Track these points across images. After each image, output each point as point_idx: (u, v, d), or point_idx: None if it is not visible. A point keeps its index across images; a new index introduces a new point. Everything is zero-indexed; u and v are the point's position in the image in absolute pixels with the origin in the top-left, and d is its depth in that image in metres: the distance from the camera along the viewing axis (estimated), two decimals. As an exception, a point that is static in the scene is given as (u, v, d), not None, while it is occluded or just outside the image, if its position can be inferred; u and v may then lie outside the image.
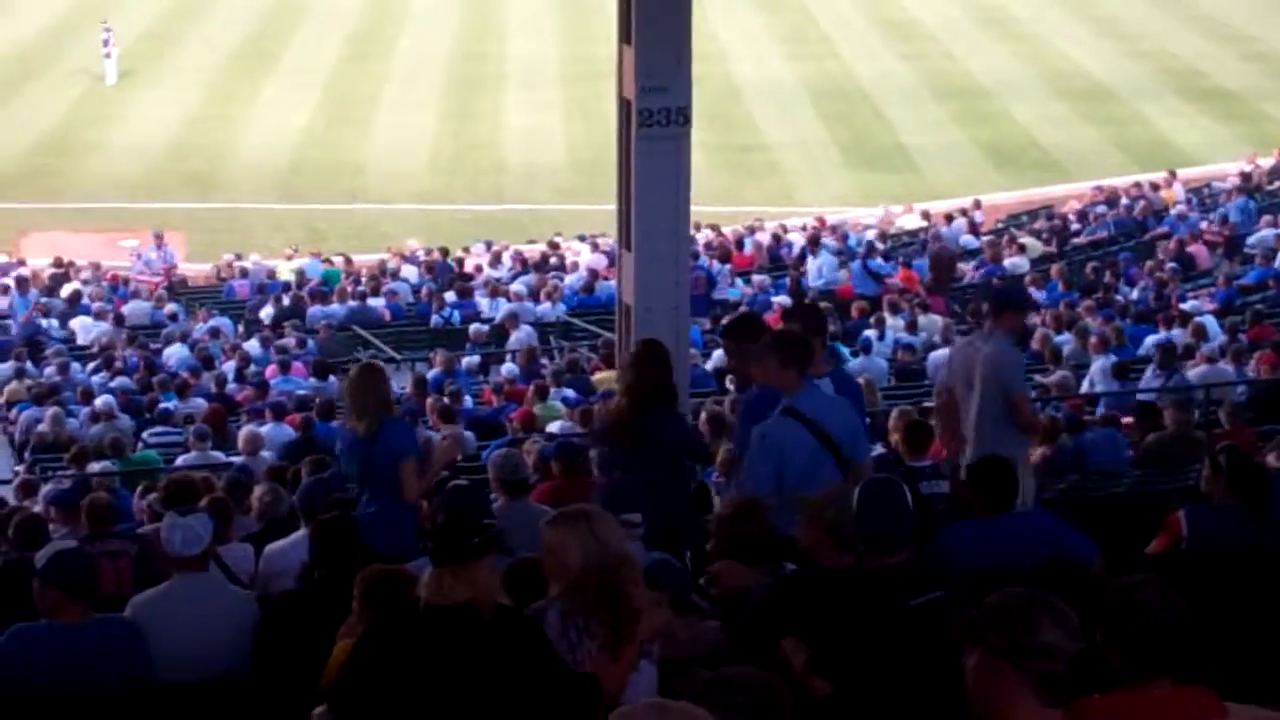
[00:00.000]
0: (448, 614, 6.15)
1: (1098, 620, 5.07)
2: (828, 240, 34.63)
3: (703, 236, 34.89)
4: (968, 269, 33.37)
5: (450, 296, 30.50)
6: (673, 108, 12.65)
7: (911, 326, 26.46)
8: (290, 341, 27.34)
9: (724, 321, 18.97)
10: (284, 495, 12.61)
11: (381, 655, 6.25)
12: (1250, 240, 33.09)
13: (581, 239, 35.75)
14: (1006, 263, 32.51)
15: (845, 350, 24.02)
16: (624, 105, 12.75)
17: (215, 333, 28.83)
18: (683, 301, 13.10)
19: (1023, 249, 33.80)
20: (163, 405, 21.92)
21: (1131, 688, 5.04)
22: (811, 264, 32.06)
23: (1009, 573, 7.74)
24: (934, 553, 8.19)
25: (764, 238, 35.94)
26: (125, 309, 30.73)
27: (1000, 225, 38.37)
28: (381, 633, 6.41)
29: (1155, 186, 38.83)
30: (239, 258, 36.00)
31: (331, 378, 23.71)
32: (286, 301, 31.32)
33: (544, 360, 24.97)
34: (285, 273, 34.80)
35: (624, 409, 10.64)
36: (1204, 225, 34.60)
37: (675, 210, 12.87)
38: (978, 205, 38.90)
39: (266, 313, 30.67)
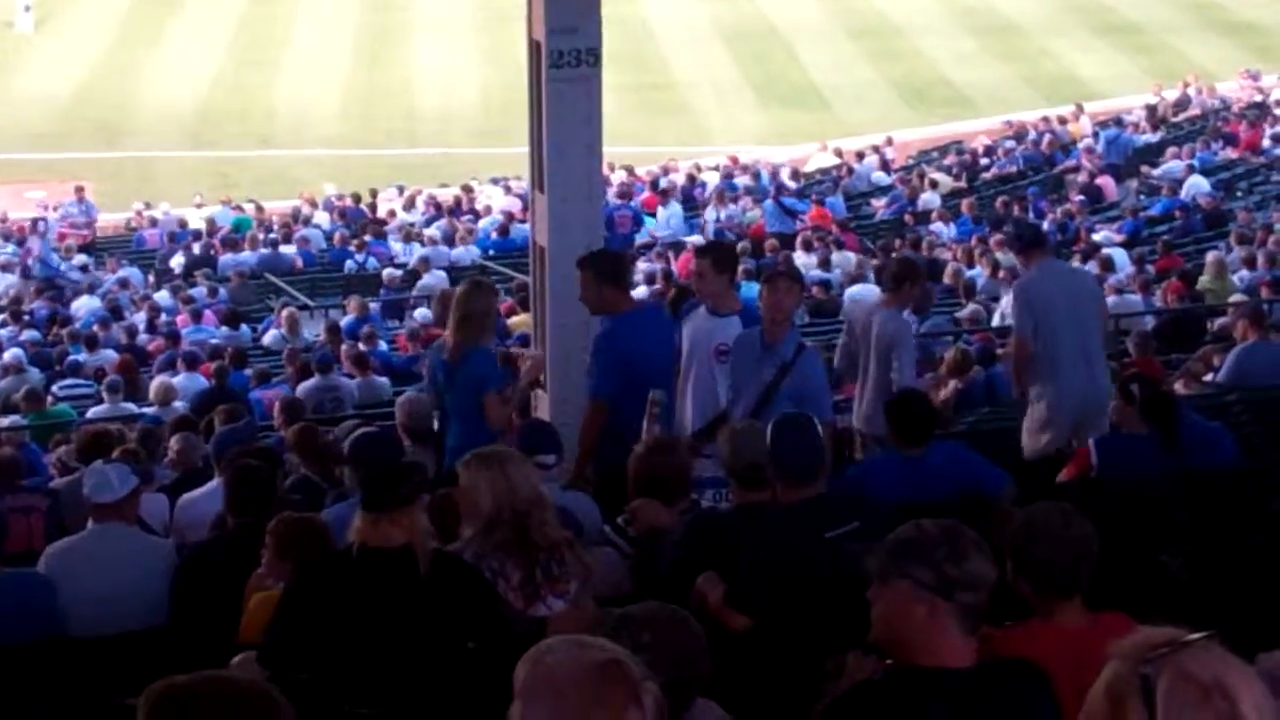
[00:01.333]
0: (385, 556, 6.14)
1: (1007, 551, 5.11)
2: (741, 179, 34.69)
3: (616, 178, 34.87)
4: (880, 205, 33.56)
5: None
6: (583, 49, 12.59)
7: (825, 264, 26.53)
8: (201, 291, 27.13)
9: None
10: (198, 444, 12.52)
11: (316, 600, 6.22)
12: (1157, 172, 33.39)
13: (495, 182, 35.61)
14: (920, 198, 32.68)
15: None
16: (534, 47, 12.67)
17: (124, 283, 28.57)
18: (596, 242, 13.07)
19: (934, 185, 33.96)
20: (72, 358, 21.69)
21: (1044, 616, 5.10)
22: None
23: (924, 505, 7.79)
24: (849, 485, 8.25)
25: (678, 178, 35.95)
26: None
27: (911, 161, 38.58)
28: (312, 578, 6.38)
29: (1063, 120, 39.08)
30: (148, 206, 35.64)
31: (244, 326, 23.52)
32: (197, 250, 31.07)
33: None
34: (196, 221, 34.50)
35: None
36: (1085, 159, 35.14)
37: (588, 150, 12.83)
38: (889, 142, 39.06)
39: (177, 262, 30.42)
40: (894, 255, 23.91)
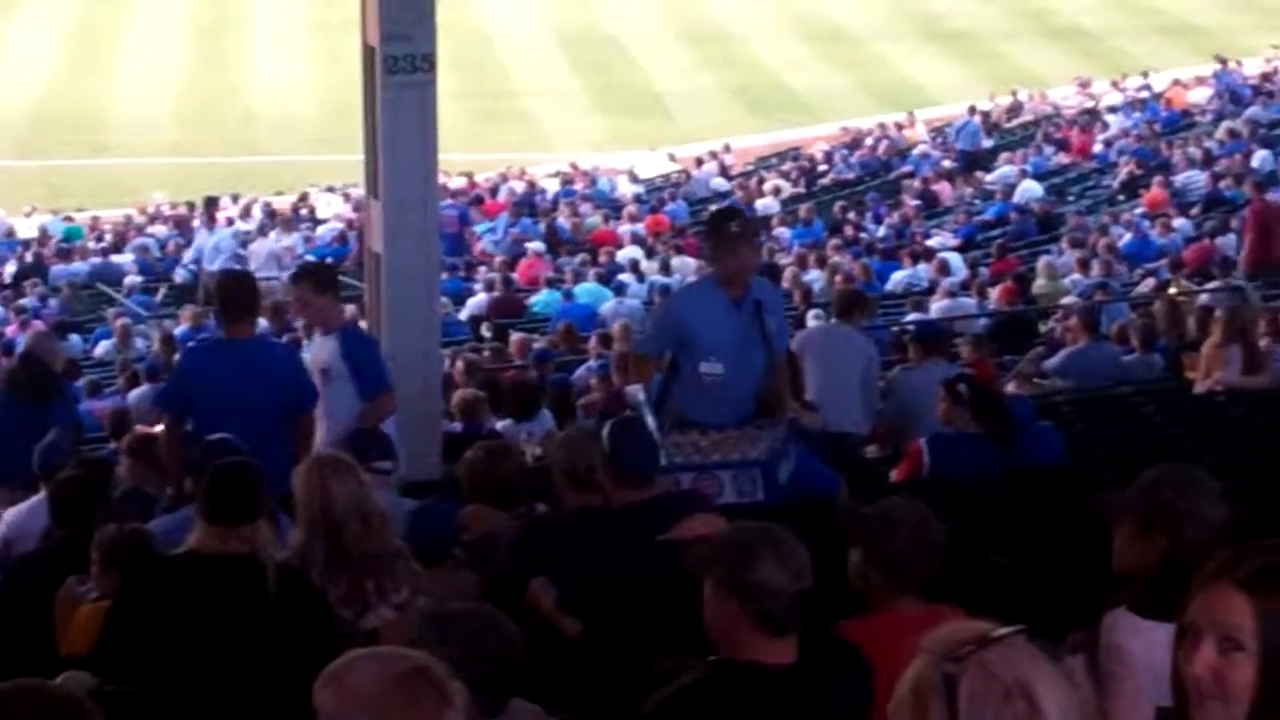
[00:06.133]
0: (224, 565, 6.06)
1: (856, 543, 5.20)
2: (580, 185, 34.73)
3: (455, 184, 34.81)
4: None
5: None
6: (417, 54, 12.53)
7: (665, 269, 26.63)
8: (33, 300, 26.67)
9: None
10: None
11: (146, 610, 6.12)
12: (991, 176, 33.90)
13: (331, 190, 35.38)
14: (757, 204, 32.89)
15: (607, 291, 24.11)
16: (368, 52, 12.58)
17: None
18: (432, 249, 13.03)
19: (777, 191, 34.26)
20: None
21: (885, 608, 5.18)
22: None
23: (764, 508, 7.85)
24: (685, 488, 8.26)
25: (516, 185, 35.94)
26: None
27: (750, 168, 38.84)
28: (141, 588, 6.27)
29: (899, 126, 39.58)
30: (-24, 216, 35.02)
31: (74, 336, 23.14)
32: (29, 259, 30.56)
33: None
34: (26, 230, 33.91)
35: None
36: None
37: (423, 157, 12.77)
38: (728, 149, 39.29)
39: (8, 271, 29.91)
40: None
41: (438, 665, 3.33)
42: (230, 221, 33.50)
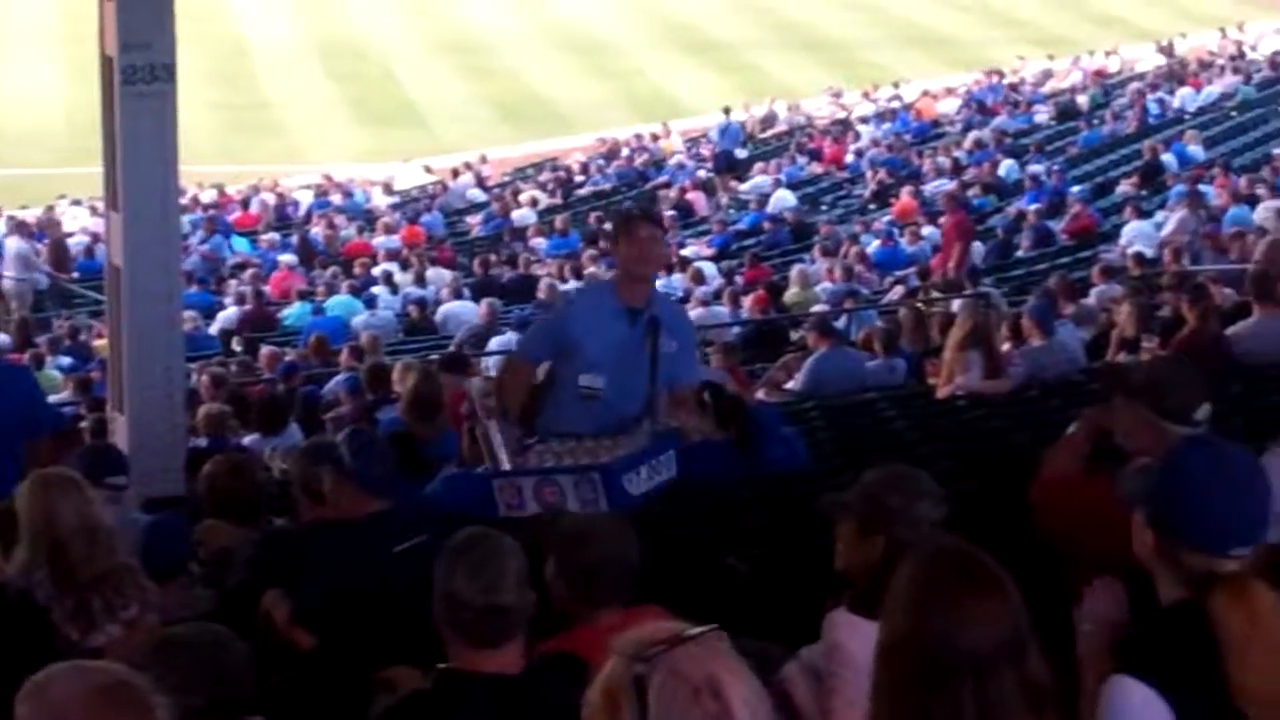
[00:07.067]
0: None
1: (554, 555, 5.17)
2: (335, 196, 34.40)
3: (206, 196, 34.33)
4: (475, 221, 33.74)
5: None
6: (157, 64, 12.31)
7: (420, 280, 26.52)
8: None
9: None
10: None
11: None
12: (745, 186, 34.30)
13: (77, 203, 34.66)
14: (514, 215, 32.91)
15: (359, 304, 23.94)
16: (106, 63, 12.35)
17: None
18: (173, 261, 12.82)
19: (534, 202, 34.29)
20: None
21: (585, 621, 5.15)
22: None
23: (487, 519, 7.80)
24: (420, 499, 8.20)
25: (269, 197, 35.52)
26: None
27: (507, 179, 38.84)
28: None
29: (655, 137, 39.88)
30: None
31: None
32: None
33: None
34: None
35: None
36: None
37: (163, 168, 12.55)
38: (484, 160, 39.25)
39: None
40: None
41: (139, 678, 3.29)
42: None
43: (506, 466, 7.60)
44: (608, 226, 9.43)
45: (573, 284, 24.51)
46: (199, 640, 4.61)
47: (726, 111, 39.99)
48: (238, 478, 7.87)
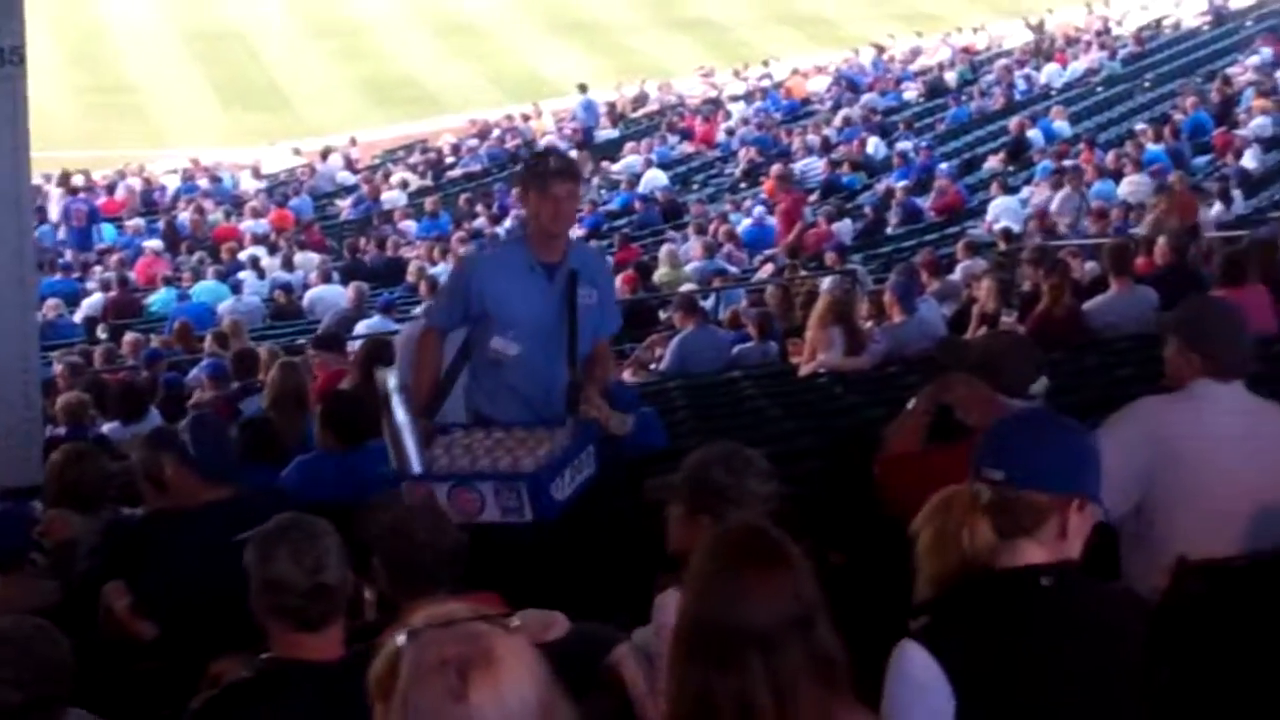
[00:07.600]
0: None
1: (373, 545, 5.15)
2: (202, 180, 34.09)
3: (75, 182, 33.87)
4: (345, 204, 33.52)
5: None
6: (6, 47, 12.15)
7: (288, 264, 26.29)
8: None
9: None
10: None
11: None
12: (617, 167, 34.29)
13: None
14: (383, 197, 32.73)
15: (225, 289, 23.73)
16: (-46, 47, 12.16)
17: None
18: (27, 250, 12.62)
19: (404, 184, 34.12)
20: None
21: (408, 611, 5.10)
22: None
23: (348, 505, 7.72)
24: (278, 484, 8.12)
25: (135, 182, 35.09)
26: None
27: (376, 161, 38.61)
28: None
29: (526, 118, 39.77)
30: None
31: None
32: None
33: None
34: None
35: None
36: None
37: (14, 153, 12.36)
38: (353, 142, 38.98)
39: None
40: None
41: None
42: None
43: (417, 468, 6.85)
44: (520, 171, 7.77)
45: (442, 266, 24.40)
46: (15, 634, 4.54)
47: (583, 89, 40.09)
48: (81, 466, 7.75)
